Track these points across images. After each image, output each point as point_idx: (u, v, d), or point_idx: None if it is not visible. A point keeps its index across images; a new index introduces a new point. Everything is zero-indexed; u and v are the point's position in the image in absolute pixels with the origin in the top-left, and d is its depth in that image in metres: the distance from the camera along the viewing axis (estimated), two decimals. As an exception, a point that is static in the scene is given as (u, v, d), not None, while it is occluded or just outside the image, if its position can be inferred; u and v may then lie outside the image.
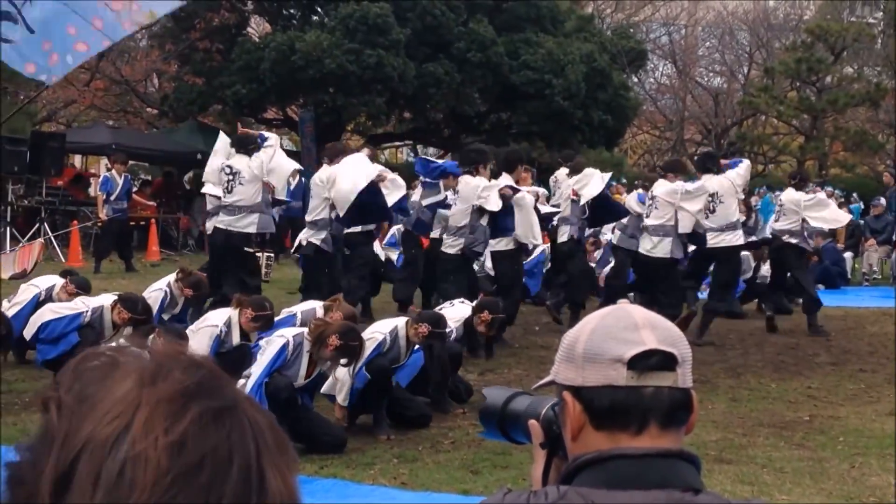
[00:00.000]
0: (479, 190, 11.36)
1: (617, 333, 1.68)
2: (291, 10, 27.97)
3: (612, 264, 14.48)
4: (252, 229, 11.24)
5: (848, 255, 20.08)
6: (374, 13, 23.81)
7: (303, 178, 21.34)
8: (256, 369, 7.19)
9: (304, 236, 11.87)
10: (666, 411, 1.65)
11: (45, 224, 19.07)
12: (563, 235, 12.74)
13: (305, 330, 7.44)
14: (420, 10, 24.78)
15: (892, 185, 22.74)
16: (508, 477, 6.53)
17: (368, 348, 7.79)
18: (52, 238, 18.79)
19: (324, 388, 7.79)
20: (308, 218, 11.91)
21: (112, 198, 17.64)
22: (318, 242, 11.63)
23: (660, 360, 1.65)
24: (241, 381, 7.13)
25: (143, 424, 0.90)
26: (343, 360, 7.37)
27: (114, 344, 1.05)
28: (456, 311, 9.27)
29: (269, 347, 7.30)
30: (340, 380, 7.72)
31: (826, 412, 8.74)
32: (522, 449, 7.23)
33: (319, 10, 26.86)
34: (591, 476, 1.63)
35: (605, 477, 1.62)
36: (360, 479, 6.68)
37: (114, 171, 18.08)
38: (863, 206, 22.79)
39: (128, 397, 0.91)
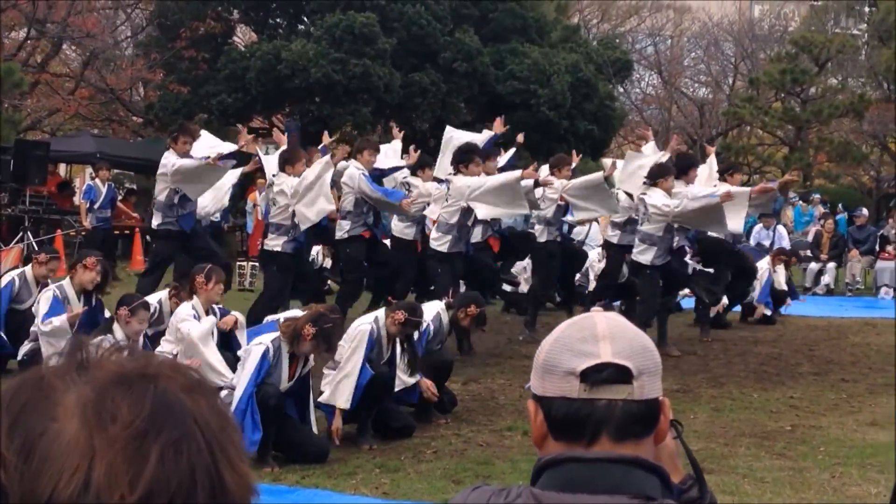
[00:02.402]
0: (468, 191, 11.30)
1: (574, 345, 1.70)
2: (277, 20, 27.99)
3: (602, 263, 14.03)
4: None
5: (831, 265, 20.17)
6: (360, 23, 23.85)
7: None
8: (243, 380, 7.17)
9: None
10: (618, 424, 1.67)
11: (29, 233, 19.00)
12: (543, 236, 12.66)
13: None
14: (406, 20, 24.82)
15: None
16: (490, 487, 6.52)
17: (363, 339, 7.77)
18: (36, 246, 18.71)
19: (321, 398, 7.75)
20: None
21: (96, 206, 17.59)
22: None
23: (612, 374, 1.67)
24: (225, 393, 7.12)
25: (106, 478, 0.86)
26: (324, 347, 7.37)
27: (48, 363, 0.99)
28: (426, 308, 9.17)
29: (249, 357, 7.28)
30: (338, 382, 7.70)
31: (808, 422, 8.77)
32: (505, 459, 7.28)
33: (305, 19, 26.89)
34: (548, 478, 1.67)
35: (558, 479, 1.65)
36: (342, 488, 6.68)
37: (97, 180, 18.03)
38: (847, 217, 22.87)
39: (78, 445, 0.87)
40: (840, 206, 25.79)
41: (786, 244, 19.68)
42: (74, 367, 0.94)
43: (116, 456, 0.87)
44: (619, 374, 1.67)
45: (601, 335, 1.70)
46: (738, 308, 14.61)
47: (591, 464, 1.64)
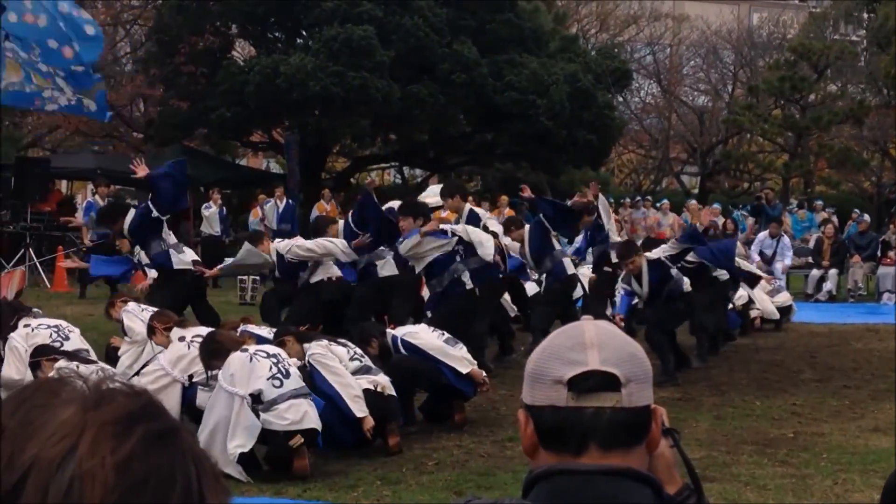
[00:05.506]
0: None
1: (563, 353, 1.68)
2: (276, 34, 28.02)
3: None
4: None
5: (833, 271, 20.15)
6: (357, 35, 23.86)
7: (290, 201, 21.41)
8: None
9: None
10: (606, 433, 1.65)
11: (31, 250, 19.02)
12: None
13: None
14: (404, 32, 24.84)
15: (776, 201, 24.11)
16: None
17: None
18: (38, 264, 18.72)
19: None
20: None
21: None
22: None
23: (599, 382, 1.65)
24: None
25: (91, 444, 0.91)
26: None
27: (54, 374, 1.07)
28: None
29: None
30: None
31: (810, 429, 8.75)
32: (506, 469, 7.26)
33: (303, 33, 26.91)
34: (540, 490, 1.65)
35: (550, 492, 1.63)
36: (344, 501, 6.67)
37: (97, 196, 18.06)
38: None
39: (72, 420, 0.93)
40: (855, 212, 25.36)
41: (789, 256, 19.69)
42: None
43: (104, 427, 0.93)
44: (606, 382, 1.66)
45: (589, 343, 1.69)
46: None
47: (580, 476, 1.63)
